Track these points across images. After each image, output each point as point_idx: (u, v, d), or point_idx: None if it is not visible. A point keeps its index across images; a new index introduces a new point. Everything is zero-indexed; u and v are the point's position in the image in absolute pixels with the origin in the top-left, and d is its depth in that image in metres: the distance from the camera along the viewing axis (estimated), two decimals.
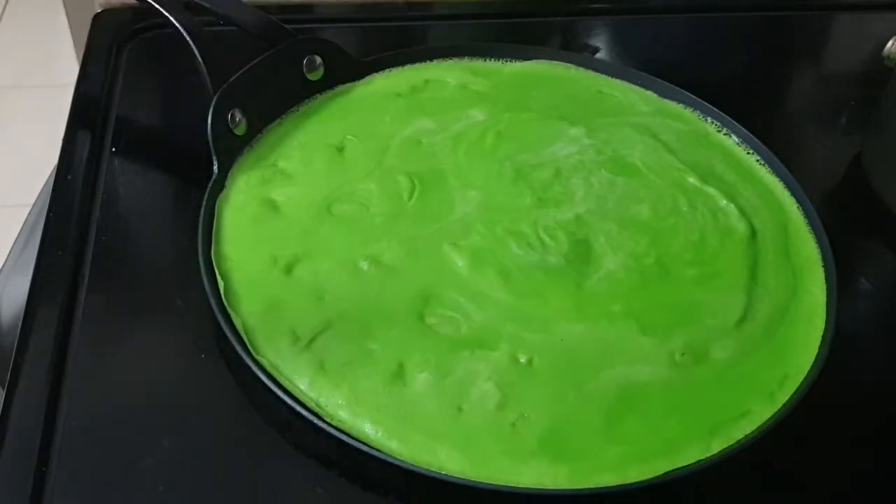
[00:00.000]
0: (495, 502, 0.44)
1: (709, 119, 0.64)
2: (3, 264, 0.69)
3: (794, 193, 0.59)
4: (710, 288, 0.52)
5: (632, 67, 0.67)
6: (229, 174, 0.57)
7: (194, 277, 0.51)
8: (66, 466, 0.44)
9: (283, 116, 0.61)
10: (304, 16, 0.74)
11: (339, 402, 0.46)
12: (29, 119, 1.72)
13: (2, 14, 2.01)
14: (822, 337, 0.50)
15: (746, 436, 0.45)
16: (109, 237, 0.55)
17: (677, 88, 0.65)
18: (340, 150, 0.59)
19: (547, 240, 0.53)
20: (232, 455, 0.45)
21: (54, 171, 0.58)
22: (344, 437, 0.44)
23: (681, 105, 0.65)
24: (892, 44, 0.66)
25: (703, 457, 0.44)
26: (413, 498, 0.44)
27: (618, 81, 0.67)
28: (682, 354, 0.49)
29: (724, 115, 0.63)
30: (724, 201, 0.57)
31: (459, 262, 0.52)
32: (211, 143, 0.55)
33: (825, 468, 0.48)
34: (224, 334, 0.48)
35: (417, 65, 0.66)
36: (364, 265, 0.52)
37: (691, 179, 0.58)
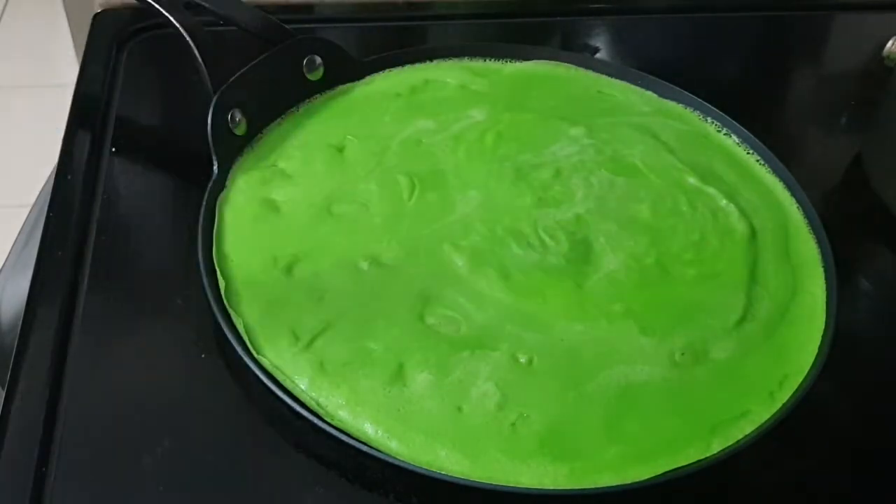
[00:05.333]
0: (495, 502, 0.44)
1: (709, 119, 0.64)
2: (3, 264, 0.69)
3: (794, 193, 0.59)
4: (709, 288, 0.52)
5: (632, 67, 0.67)
6: (229, 174, 0.57)
7: (194, 277, 0.51)
8: (66, 466, 0.44)
9: (283, 116, 0.61)
10: (304, 16, 0.74)
11: (339, 402, 0.46)
12: (29, 119, 1.72)
13: (2, 14, 2.01)
14: (822, 337, 0.50)
15: (746, 436, 0.45)
16: (109, 237, 0.55)
17: (677, 88, 0.65)
18: (340, 150, 0.59)
19: (547, 240, 0.53)
20: (232, 455, 0.45)
21: (54, 171, 0.58)
22: (344, 437, 0.44)
23: (681, 105, 0.65)
24: (892, 44, 0.66)
25: (703, 457, 0.44)
26: (413, 498, 0.44)
27: (618, 81, 0.67)
28: (682, 354, 0.49)
29: (724, 115, 0.63)
30: (724, 201, 0.57)
31: (459, 262, 0.52)
32: (211, 143, 0.55)
33: (825, 468, 0.48)
34: (224, 334, 0.48)
35: (417, 65, 0.66)
36: (364, 265, 0.52)
37: (691, 179, 0.58)
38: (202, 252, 0.51)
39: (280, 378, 0.46)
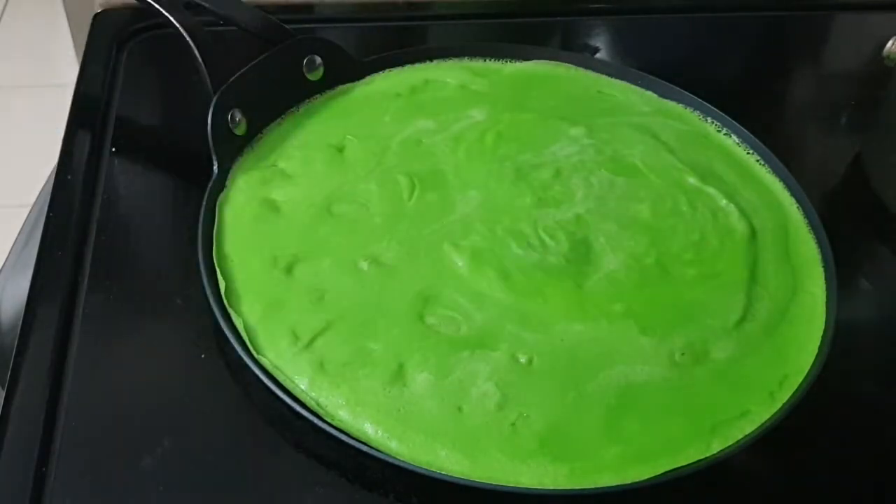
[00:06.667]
0: (495, 502, 0.44)
1: (709, 119, 0.64)
2: (3, 264, 0.69)
3: (794, 193, 0.59)
4: (709, 288, 0.52)
5: (632, 67, 0.67)
6: (229, 174, 0.57)
7: (194, 277, 0.51)
8: (66, 466, 0.44)
9: (283, 116, 0.61)
10: (304, 16, 0.75)
11: (339, 402, 0.46)
12: (29, 119, 1.72)
13: (2, 14, 2.01)
14: (822, 337, 0.50)
15: (746, 436, 0.45)
16: (109, 237, 0.55)
17: (677, 88, 0.65)
18: (340, 150, 0.59)
19: (547, 240, 0.53)
20: (232, 455, 0.45)
21: (54, 171, 0.58)
22: (344, 437, 0.44)
23: (681, 105, 0.65)
24: (892, 44, 0.66)
25: (703, 457, 0.44)
26: (413, 498, 0.44)
27: (618, 81, 0.67)
28: (682, 354, 0.49)
29: (724, 115, 0.63)
30: (724, 201, 0.57)
31: (459, 262, 0.52)
32: (211, 143, 0.55)
33: (825, 468, 0.48)
34: (224, 334, 0.48)
35: (417, 65, 0.66)
36: (364, 265, 0.52)
37: (691, 179, 0.58)
38: (202, 252, 0.51)
39: (280, 378, 0.46)
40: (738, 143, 0.62)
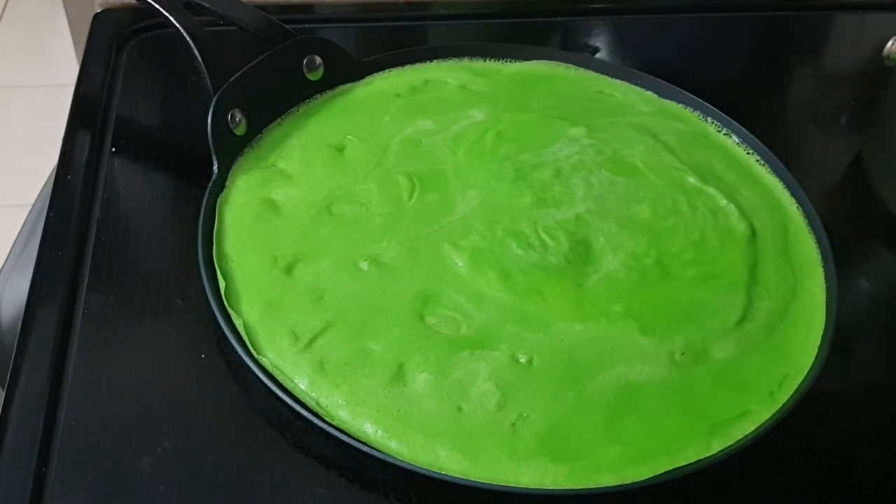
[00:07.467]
0: (495, 502, 0.44)
1: (709, 119, 0.64)
2: (4, 264, 0.69)
3: (794, 193, 0.59)
4: (709, 288, 0.52)
5: (632, 67, 0.67)
6: (229, 174, 0.57)
7: (194, 277, 0.51)
8: (66, 466, 0.44)
9: (282, 116, 0.61)
10: (304, 16, 0.75)
11: (339, 402, 0.46)
12: (29, 119, 1.72)
13: (2, 14, 2.01)
14: (822, 337, 0.50)
15: (746, 436, 0.45)
16: (109, 237, 0.55)
17: (677, 88, 0.65)
18: (340, 150, 0.59)
19: (547, 240, 0.53)
20: (232, 455, 0.45)
21: (54, 171, 0.58)
22: (344, 437, 0.44)
23: (681, 105, 0.65)
24: (892, 44, 0.66)
25: (703, 457, 0.44)
26: (413, 498, 0.44)
27: (618, 81, 0.67)
28: (682, 354, 0.49)
29: (724, 115, 0.63)
30: (724, 201, 0.57)
31: (459, 262, 0.52)
32: (211, 143, 0.55)
33: (825, 468, 0.48)
34: (224, 334, 0.48)
35: (417, 65, 0.66)
36: (364, 265, 0.52)
37: (691, 179, 0.58)
38: (202, 252, 0.51)
39: (280, 378, 0.46)
40: (738, 143, 0.63)
